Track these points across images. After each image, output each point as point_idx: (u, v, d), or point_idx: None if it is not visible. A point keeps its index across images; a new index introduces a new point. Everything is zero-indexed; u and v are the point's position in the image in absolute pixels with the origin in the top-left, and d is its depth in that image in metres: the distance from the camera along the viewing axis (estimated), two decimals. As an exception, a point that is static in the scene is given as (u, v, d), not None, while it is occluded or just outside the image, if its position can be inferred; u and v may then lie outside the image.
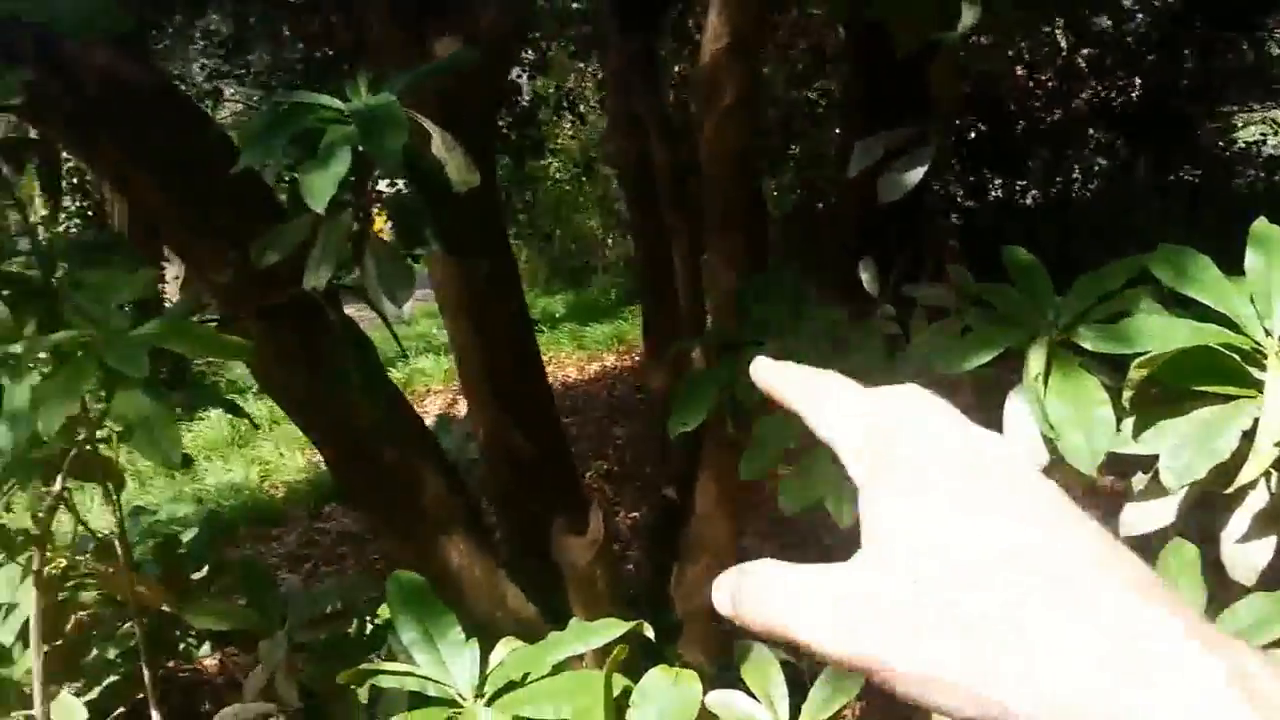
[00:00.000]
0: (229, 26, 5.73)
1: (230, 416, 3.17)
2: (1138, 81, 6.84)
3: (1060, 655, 0.25)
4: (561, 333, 6.80)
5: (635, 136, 2.72)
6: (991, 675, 0.26)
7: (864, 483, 0.32)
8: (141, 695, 1.40)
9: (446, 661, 1.01)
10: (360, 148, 1.09)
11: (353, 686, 1.16)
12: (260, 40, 5.64)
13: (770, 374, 0.38)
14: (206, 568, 1.64)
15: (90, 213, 6.09)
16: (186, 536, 1.70)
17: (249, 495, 4.40)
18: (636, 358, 5.87)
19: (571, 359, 6.34)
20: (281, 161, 1.24)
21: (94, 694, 1.49)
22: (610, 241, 9.07)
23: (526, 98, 5.91)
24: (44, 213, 3.07)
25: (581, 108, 7.12)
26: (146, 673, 1.34)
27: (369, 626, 1.59)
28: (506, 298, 1.84)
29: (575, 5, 5.47)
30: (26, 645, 1.34)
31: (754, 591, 0.32)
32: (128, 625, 1.53)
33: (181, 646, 1.66)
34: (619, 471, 4.28)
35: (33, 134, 1.48)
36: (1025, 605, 0.27)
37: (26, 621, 1.30)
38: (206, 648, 1.69)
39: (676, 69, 5.41)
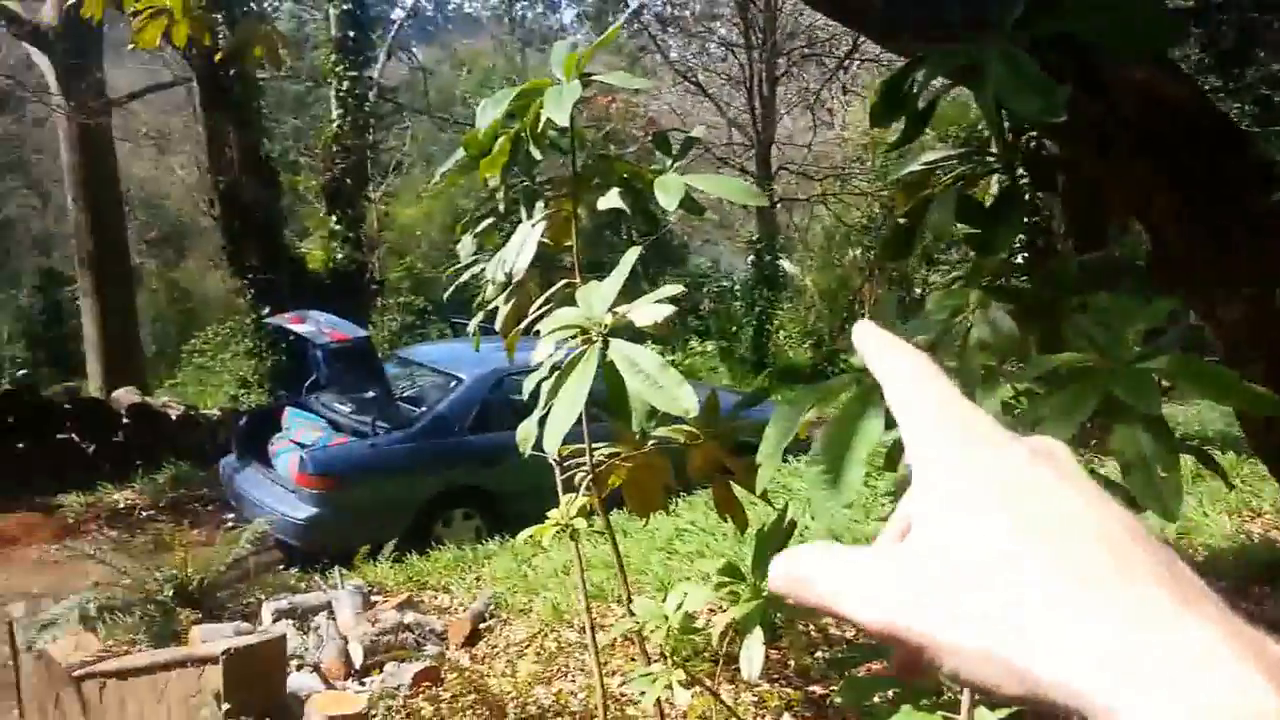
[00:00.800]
0: (1228, 38, 5.33)
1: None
2: None
3: (1086, 641, 0.28)
4: None
5: None
6: (1026, 650, 0.29)
7: (933, 481, 0.35)
8: None
9: None
10: None
11: None
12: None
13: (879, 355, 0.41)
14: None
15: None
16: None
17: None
18: None
19: None
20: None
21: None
22: None
23: None
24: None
25: None
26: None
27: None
28: None
29: None
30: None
31: (803, 574, 0.36)
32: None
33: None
34: None
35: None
36: (1060, 592, 0.29)
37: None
38: None
39: None
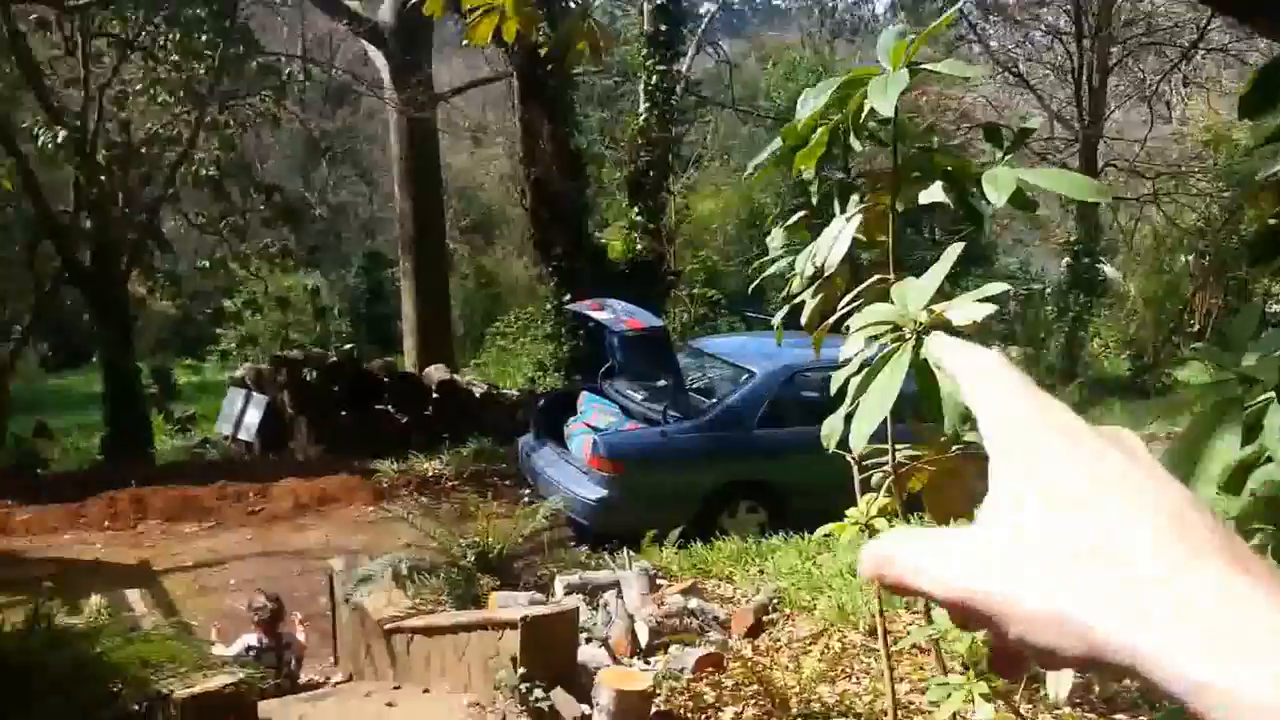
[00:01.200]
0: None
1: None
2: None
3: (1164, 608, 0.32)
4: None
5: None
6: (1100, 614, 0.32)
7: (1027, 469, 0.38)
8: None
9: None
10: None
11: None
12: None
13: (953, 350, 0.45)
14: None
15: None
16: None
17: None
18: None
19: None
20: None
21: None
22: None
23: None
24: None
25: None
26: None
27: None
28: None
29: None
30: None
31: (886, 554, 0.40)
32: None
33: None
34: None
35: None
36: (1162, 574, 0.32)
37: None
38: None
39: None
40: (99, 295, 11.57)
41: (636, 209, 12.95)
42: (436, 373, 12.59)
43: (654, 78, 12.71)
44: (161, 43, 11.19)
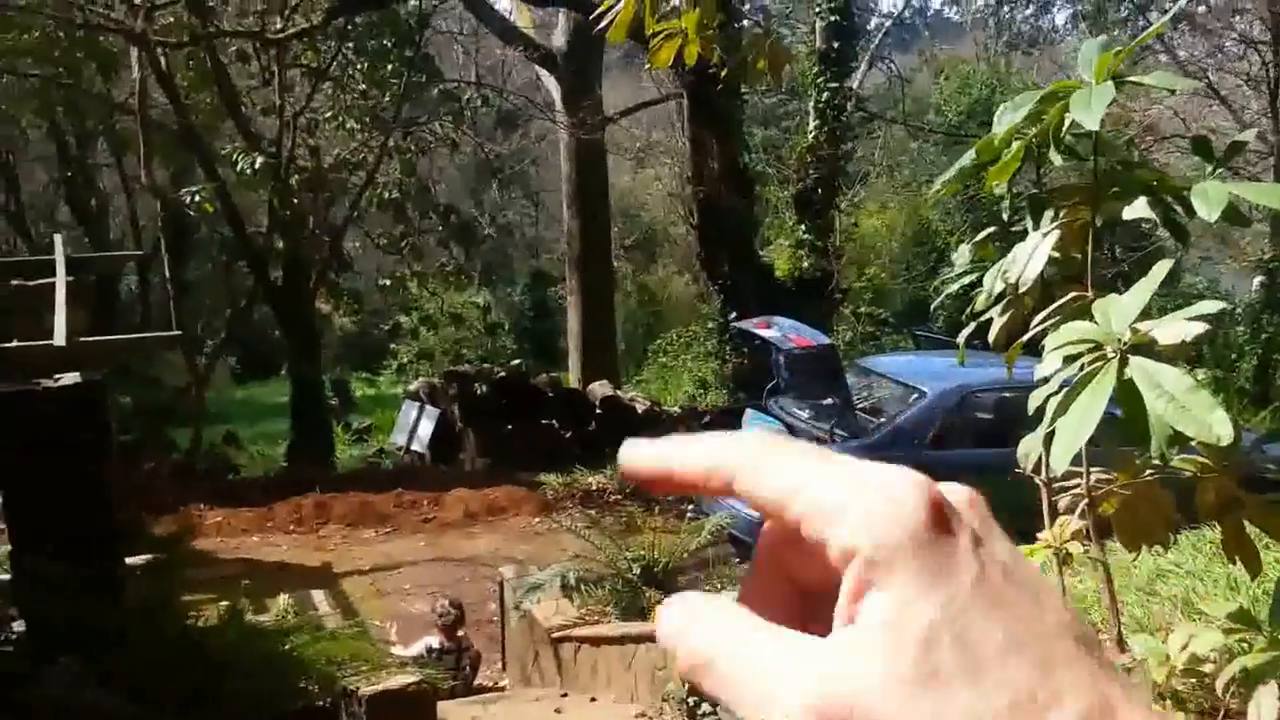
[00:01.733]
0: None
1: None
2: None
3: None
4: None
5: None
6: None
7: (873, 569, 0.31)
8: None
9: None
10: None
11: None
12: None
13: (656, 454, 0.37)
14: None
15: None
16: None
17: None
18: None
19: None
20: None
21: None
22: None
23: None
24: None
25: None
26: None
27: None
28: None
29: None
30: None
31: (706, 645, 0.32)
32: None
33: None
34: None
35: None
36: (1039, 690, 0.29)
37: None
38: None
39: None
40: (287, 311, 12.37)
41: (803, 226, 12.87)
42: (600, 388, 12.85)
43: (824, 94, 12.62)
44: (350, 73, 11.93)
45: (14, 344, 4.04)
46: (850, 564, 0.32)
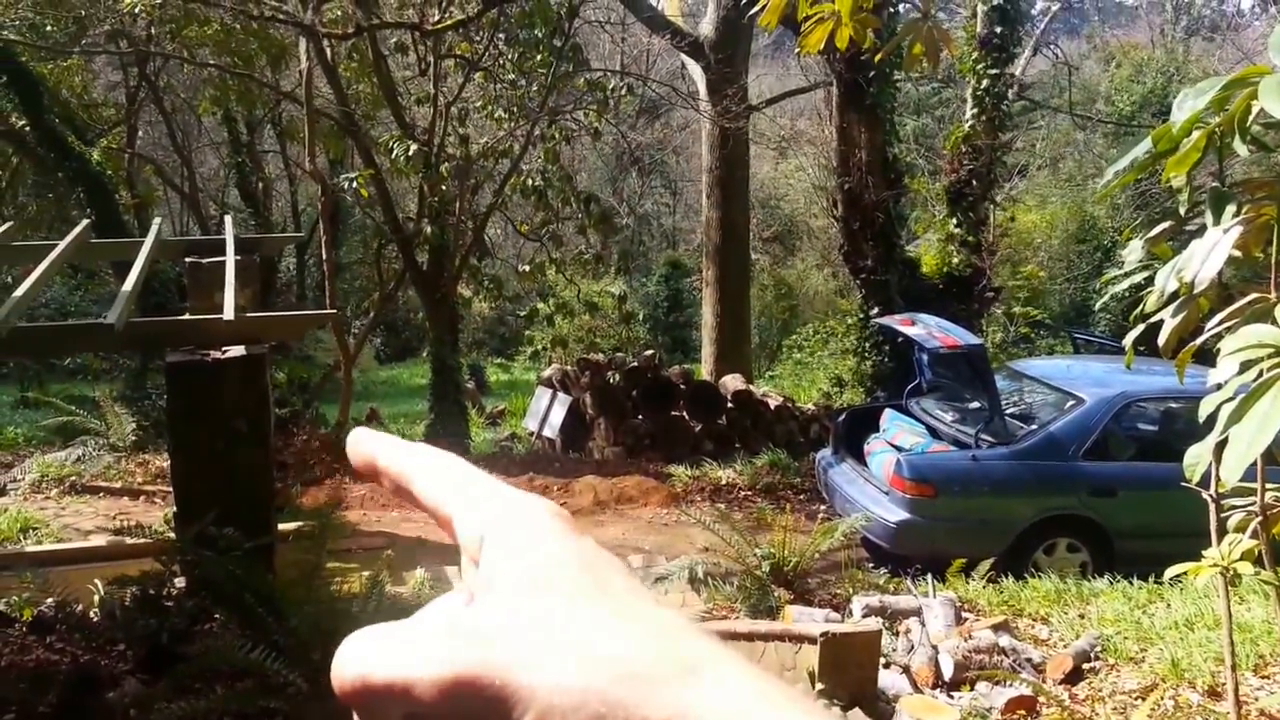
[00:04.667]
0: None
1: None
2: None
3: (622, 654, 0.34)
4: None
5: None
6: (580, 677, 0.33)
7: (479, 565, 0.39)
8: None
9: None
10: None
11: None
12: None
13: (371, 444, 0.45)
14: None
15: None
16: None
17: None
18: None
19: None
20: None
21: None
22: None
23: None
24: None
25: None
26: None
27: None
28: None
29: None
30: None
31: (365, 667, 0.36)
32: None
33: None
34: None
35: None
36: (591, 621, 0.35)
37: None
38: None
39: None
40: (432, 295, 12.81)
41: (955, 220, 12.50)
42: (732, 382, 12.83)
43: (984, 82, 12.19)
44: (501, 63, 12.25)
45: (187, 317, 4.34)
46: (481, 548, 0.40)
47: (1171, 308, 2.63)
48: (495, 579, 0.38)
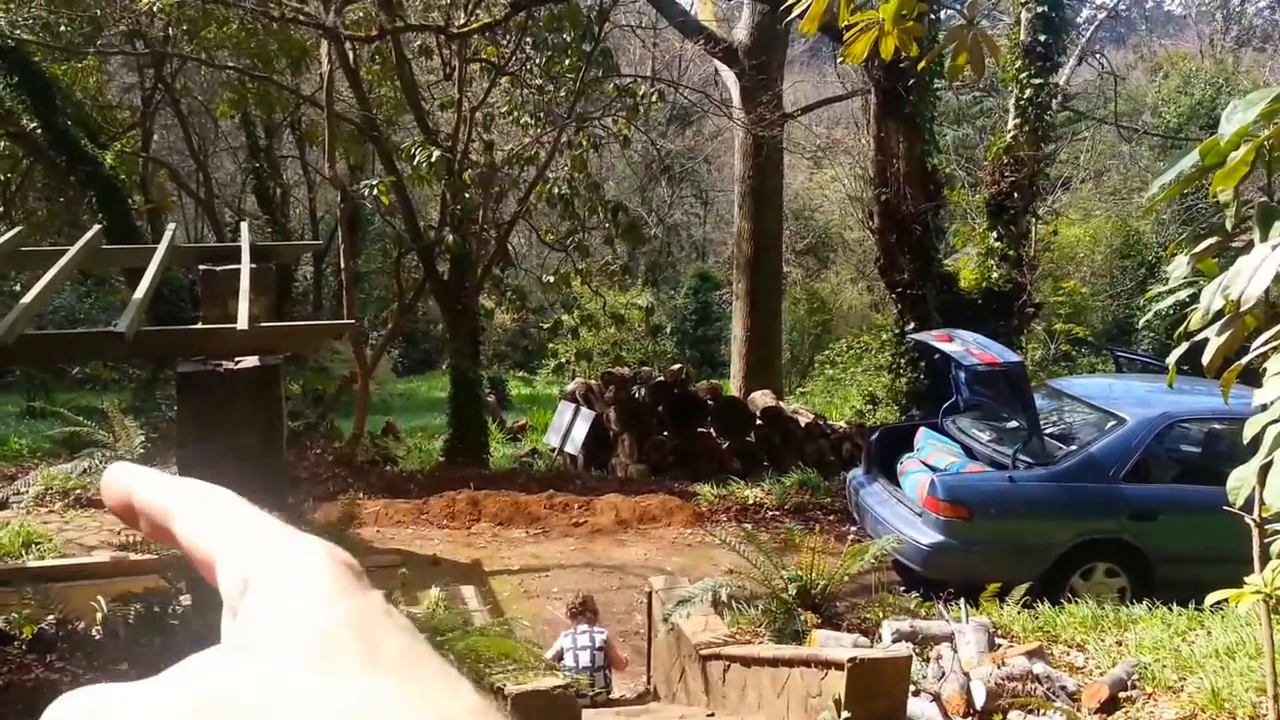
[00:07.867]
0: None
1: None
2: None
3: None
4: None
5: None
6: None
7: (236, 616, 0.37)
8: None
9: None
10: None
11: None
12: None
13: (127, 480, 0.42)
14: None
15: None
16: None
17: None
18: None
19: None
20: None
21: None
22: None
23: None
24: None
25: None
26: None
27: None
28: None
29: None
30: None
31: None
32: None
33: None
34: None
35: None
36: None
37: None
38: None
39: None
40: (453, 306, 12.87)
41: (995, 233, 12.42)
42: (762, 398, 12.79)
43: (1027, 91, 12.11)
44: (528, 67, 12.32)
45: (199, 326, 4.38)
46: (243, 598, 0.37)
47: (1216, 326, 2.60)
48: (252, 640, 0.35)
